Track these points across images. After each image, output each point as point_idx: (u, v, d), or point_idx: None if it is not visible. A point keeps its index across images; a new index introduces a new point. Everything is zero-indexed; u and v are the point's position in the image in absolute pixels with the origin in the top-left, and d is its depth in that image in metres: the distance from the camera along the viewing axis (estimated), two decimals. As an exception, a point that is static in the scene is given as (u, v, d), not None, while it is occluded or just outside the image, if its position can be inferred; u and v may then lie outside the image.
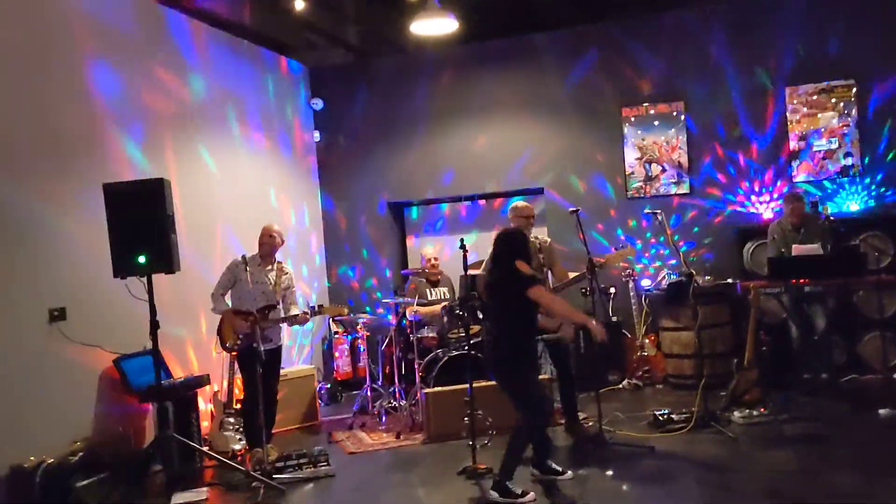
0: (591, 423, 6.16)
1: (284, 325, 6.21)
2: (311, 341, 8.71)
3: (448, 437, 6.13)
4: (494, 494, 4.73)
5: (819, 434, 5.67)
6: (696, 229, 8.11)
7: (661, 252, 8.23)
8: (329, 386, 8.23)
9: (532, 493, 4.74)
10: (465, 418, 5.54)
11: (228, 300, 5.99)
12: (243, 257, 5.97)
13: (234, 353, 6.01)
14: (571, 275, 5.96)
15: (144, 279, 5.15)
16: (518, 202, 6.15)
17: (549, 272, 6.01)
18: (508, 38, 8.80)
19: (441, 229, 9.31)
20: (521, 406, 4.86)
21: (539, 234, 6.18)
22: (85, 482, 4.96)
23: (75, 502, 4.89)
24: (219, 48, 7.59)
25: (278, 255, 6.27)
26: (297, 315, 5.95)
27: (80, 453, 5.13)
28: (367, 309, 8.88)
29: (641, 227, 8.29)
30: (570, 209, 5.94)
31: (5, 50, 5.22)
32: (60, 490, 4.89)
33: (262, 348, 5.56)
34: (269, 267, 6.06)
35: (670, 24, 8.19)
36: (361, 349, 8.37)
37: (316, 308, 6.15)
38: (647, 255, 8.29)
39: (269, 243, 6.06)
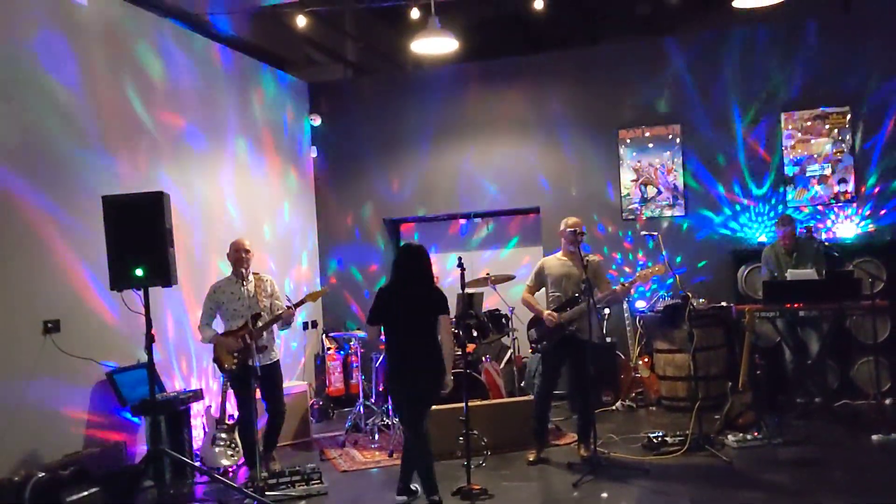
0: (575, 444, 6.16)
1: (280, 339, 6.18)
2: (303, 357, 8.68)
3: (441, 456, 6.08)
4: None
5: (813, 458, 5.68)
6: (690, 252, 8.15)
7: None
8: (321, 402, 8.18)
9: None
10: (460, 437, 5.51)
11: (217, 327, 5.96)
12: (219, 282, 5.99)
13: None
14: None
15: (141, 292, 5.12)
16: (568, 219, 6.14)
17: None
18: (506, 57, 8.87)
19: (436, 247, 9.31)
20: (425, 423, 5.10)
21: (585, 253, 6.12)
22: (75, 497, 4.88)
23: (65, 517, 4.83)
24: (219, 62, 7.60)
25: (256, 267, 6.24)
26: (282, 313, 5.85)
27: (71, 467, 5.06)
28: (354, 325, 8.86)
29: (635, 248, 8.32)
30: (582, 228, 5.99)
31: None
32: (50, 504, 4.83)
33: (259, 363, 5.57)
34: (247, 280, 6.00)
35: (668, 47, 8.27)
36: (354, 365, 8.34)
37: (298, 301, 5.97)
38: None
39: (245, 259, 5.95)
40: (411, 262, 5.10)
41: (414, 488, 5.21)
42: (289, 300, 6.00)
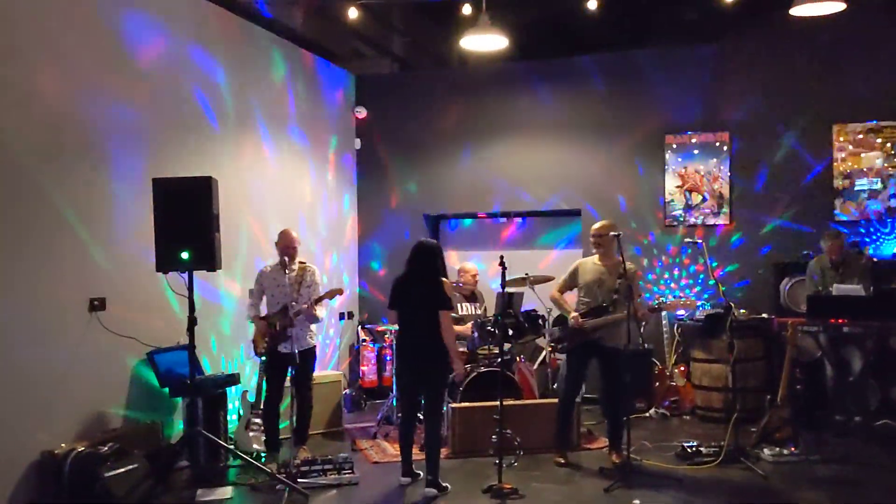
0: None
1: (314, 328, 6.26)
2: (338, 347, 8.74)
3: (472, 453, 6.11)
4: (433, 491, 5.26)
5: (850, 477, 5.58)
6: (732, 261, 8.04)
7: (697, 282, 8.16)
8: (354, 393, 8.23)
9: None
10: (494, 436, 5.50)
11: (262, 308, 6.12)
12: (267, 268, 6.16)
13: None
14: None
15: (185, 275, 5.21)
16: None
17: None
18: (553, 58, 8.82)
19: (477, 245, 9.31)
20: (439, 409, 5.57)
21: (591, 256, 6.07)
22: (113, 472, 4.97)
23: (102, 491, 4.91)
24: (270, 52, 7.67)
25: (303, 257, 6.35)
26: (302, 308, 5.89)
27: (110, 443, 5.16)
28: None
29: (677, 255, 8.24)
30: (612, 234, 5.87)
31: (61, 47, 5.34)
32: (89, 478, 4.91)
33: (285, 350, 5.81)
34: (290, 269, 6.06)
35: (716, 53, 8.17)
36: (388, 358, 8.39)
37: (316, 298, 6.03)
38: (684, 282, 8.22)
39: (294, 248, 6.09)
40: (420, 258, 5.47)
41: (417, 473, 5.54)
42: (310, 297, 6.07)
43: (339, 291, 6.27)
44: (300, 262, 6.15)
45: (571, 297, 6.08)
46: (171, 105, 6.31)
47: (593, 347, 5.85)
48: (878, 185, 7.61)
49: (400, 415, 5.79)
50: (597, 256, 5.99)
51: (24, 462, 4.91)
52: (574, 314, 5.84)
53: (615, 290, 5.73)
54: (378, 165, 9.32)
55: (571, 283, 6.04)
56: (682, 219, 8.21)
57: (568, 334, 5.91)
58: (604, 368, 5.95)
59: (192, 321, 5.21)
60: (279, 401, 6.10)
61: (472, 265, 7.70)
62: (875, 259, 6.90)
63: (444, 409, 6.18)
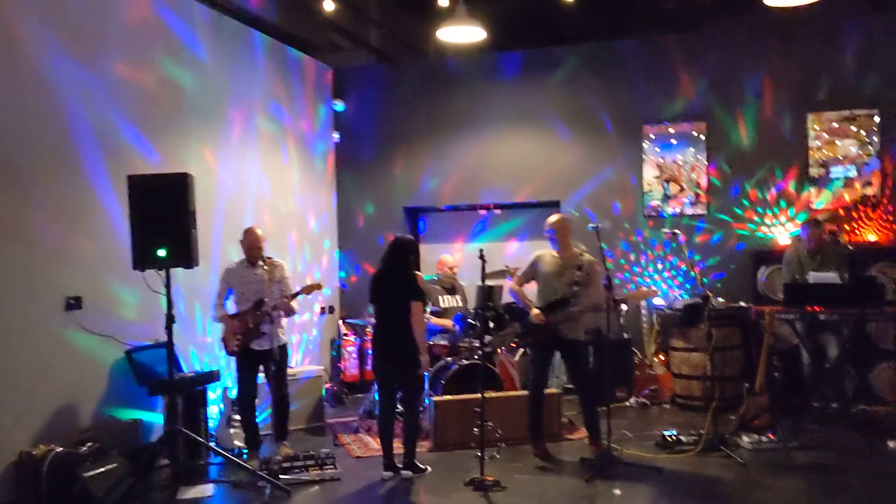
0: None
1: (287, 324, 6.22)
2: (319, 341, 8.71)
3: (454, 446, 6.12)
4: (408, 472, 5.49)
5: (828, 463, 5.65)
6: (711, 251, 8.10)
7: (676, 272, 8.22)
8: (336, 387, 8.21)
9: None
10: (475, 429, 5.51)
11: (230, 308, 6.03)
12: (232, 265, 6.06)
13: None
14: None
15: (163, 272, 5.16)
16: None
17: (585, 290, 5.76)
18: (531, 49, 8.81)
19: (456, 237, 9.30)
20: (416, 399, 5.74)
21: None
22: (92, 472, 4.93)
23: (82, 492, 4.87)
24: (245, 45, 7.60)
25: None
26: (279, 302, 5.86)
27: (89, 443, 5.11)
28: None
29: (656, 245, 8.28)
30: (591, 226, 5.86)
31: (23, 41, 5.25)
32: (67, 479, 4.87)
33: (259, 347, 5.80)
34: (258, 265, 6.01)
35: (693, 43, 8.21)
36: (369, 352, 8.37)
37: (293, 293, 6.00)
38: (666, 273, 8.27)
39: (259, 248, 5.99)
40: (395, 252, 5.63)
41: (399, 466, 5.57)
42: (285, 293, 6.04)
43: (318, 286, 6.23)
44: (267, 258, 6.07)
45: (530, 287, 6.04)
46: (145, 100, 6.23)
47: (554, 340, 5.83)
48: (854, 173, 7.69)
49: (379, 407, 5.81)
50: (555, 249, 5.91)
51: (2, 463, 4.85)
52: (536, 311, 5.79)
53: (575, 282, 5.73)
54: (356, 158, 9.28)
55: (531, 275, 6.00)
56: (660, 209, 8.25)
57: (532, 329, 5.89)
58: (568, 361, 6.00)
59: (171, 319, 5.17)
60: (254, 398, 6.06)
61: (450, 257, 7.70)
62: (851, 247, 6.96)
63: (424, 399, 6.20)
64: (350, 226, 9.32)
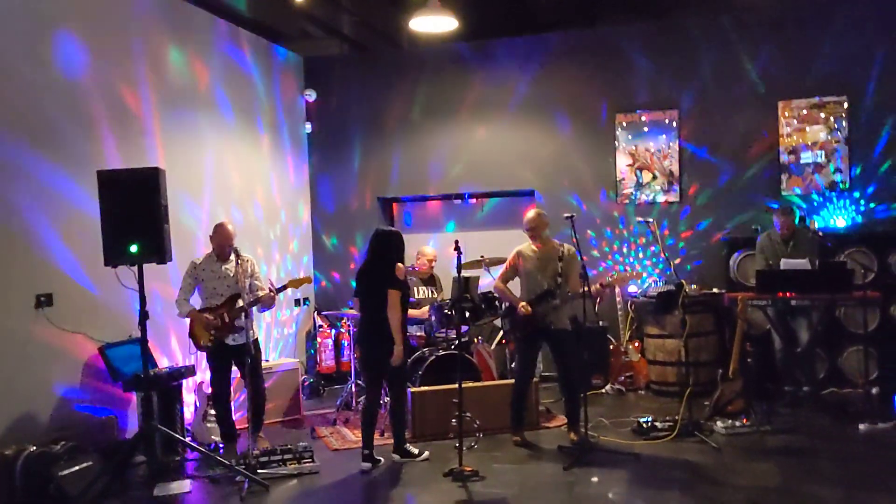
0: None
1: (256, 319, 6.19)
2: (295, 334, 8.67)
3: (433, 436, 6.13)
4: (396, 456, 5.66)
5: (801, 446, 5.74)
6: (683, 238, 8.17)
7: (650, 260, 8.28)
8: (312, 380, 8.19)
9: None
10: (453, 419, 5.53)
11: (195, 303, 5.97)
12: (200, 259, 5.99)
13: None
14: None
15: (135, 268, 5.09)
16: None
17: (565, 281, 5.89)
18: (504, 38, 8.79)
19: (431, 227, 9.29)
20: (402, 385, 5.80)
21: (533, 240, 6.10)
22: (67, 471, 4.88)
23: (57, 491, 4.82)
24: (213, 34, 7.49)
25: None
26: (262, 297, 5.85)
27: (63, 442, 5.05)
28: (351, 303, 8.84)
29: (630, 233, 8.33)
30: (566, 215, 5.91)
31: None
32: (42, 479, 4.81)
33: (235, 342, 5.82)
34: (228, 260, 5.95)
35: (667, 31, 8.23)
36: (345, 343, 8.35)
37: (280, 286, 5.98)
38: (642, 261, 8.33)
39: (229, 244, 5.89)
40: (376, 245, 5.69)
41: (378, 459, 5.64)
42: (271, 284, 6.01)
43: (308, 280, 6.29)
44: (237, 253, 6.01)
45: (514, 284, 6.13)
46: (116, 93, 6.12)
47: (542, 331, 5.93)
48: (822, 159, 7.79)
49: (364, 398, 5.80)
50: (533, 243, 6.03)
51: (-27, 464, 4.77)
52: (523, 304, 5.87)
53: (558, 272, 5.80)
54: (330, 149, 9.21)
55: (514, 272, 6.08)
56: (633, 198, 8.29)
57: (520, 323, 5.94)
58: (555, 351, 6.04)
59: (144, 315, 5.12)
60: (230, 393, 6.06)
61: (430, 249, 7.67)
62: (821, 233, 7.06)
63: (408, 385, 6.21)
64: (325, 217, 9.26)
